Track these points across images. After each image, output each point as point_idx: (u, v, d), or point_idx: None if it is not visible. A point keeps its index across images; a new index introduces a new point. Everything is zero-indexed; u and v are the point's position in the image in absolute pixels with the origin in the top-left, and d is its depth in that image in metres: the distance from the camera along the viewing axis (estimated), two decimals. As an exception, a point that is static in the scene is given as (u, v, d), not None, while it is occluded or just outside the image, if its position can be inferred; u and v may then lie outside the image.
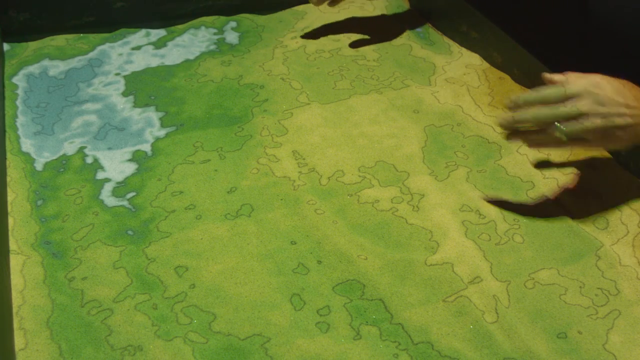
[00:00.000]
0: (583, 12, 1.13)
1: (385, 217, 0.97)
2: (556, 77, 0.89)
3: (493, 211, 0.98)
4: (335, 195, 1.00)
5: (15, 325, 0.82)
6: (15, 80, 1.19)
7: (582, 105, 0.86)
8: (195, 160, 1.05)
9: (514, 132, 0.91)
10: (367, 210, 0.98)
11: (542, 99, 0.88)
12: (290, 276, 0.89)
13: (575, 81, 0.87)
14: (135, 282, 0.88)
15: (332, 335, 0.82)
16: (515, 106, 0.89)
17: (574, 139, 0.87)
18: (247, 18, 1.38)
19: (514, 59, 1.21)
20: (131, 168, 1.04)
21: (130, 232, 0.94)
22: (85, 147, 1.07)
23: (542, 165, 1.05)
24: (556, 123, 0.86)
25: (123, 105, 1.16)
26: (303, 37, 1.33)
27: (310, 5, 1.37)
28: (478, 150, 1.08)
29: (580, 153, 1.05)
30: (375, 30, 1.35)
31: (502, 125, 0.90)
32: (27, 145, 1.06)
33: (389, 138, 1.09)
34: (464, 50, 1.30)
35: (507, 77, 1.22)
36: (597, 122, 0.86)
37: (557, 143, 0.88)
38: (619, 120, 0.86)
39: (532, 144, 0.90)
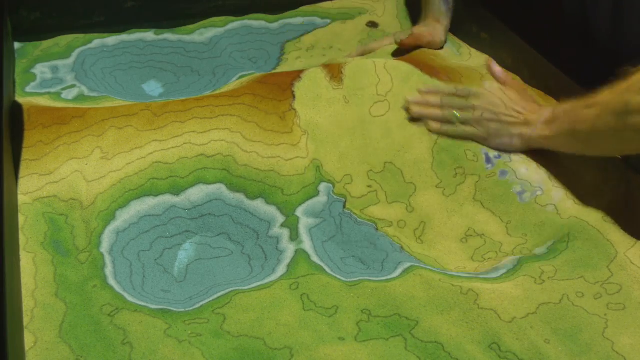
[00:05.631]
0: (559, 12, 1.20)
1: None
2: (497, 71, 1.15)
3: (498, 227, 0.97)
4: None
5: (25, 323, 0.82)
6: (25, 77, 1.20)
7: (475, 101, 1.06)
8: None
9: (419, 107, 1.07)
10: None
11: (451, 91, 1.08)
12: (300, 277, 0.89)
13: (481, 86, 1.09)
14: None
15: (341, 336, 0.82)
16: (427, 91, 1.08)
17: (465, 124, 1.05)
18: (258, 18, 1.38)
19: (523, 60, 1.21)
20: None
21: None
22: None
23: (551, 168, 1.04)
24: (454, 111, 1.06)
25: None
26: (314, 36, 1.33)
27: (320, 5, 1.38)
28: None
29: (590, 159, 1.04)
30: (384, 29, 1.35)
31: (411, 101, 1.08)
32: None
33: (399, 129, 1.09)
34: (473, 51, 1.30)
35: (517, 78, 1.21)
36: (486, 115, 1.04)
37: (451, 125, 1.06)
38: (505, 119, 1.03)
39: (430, 118, 1.07)
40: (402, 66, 1.13)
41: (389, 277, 0.89)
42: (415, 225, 0.98)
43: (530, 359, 0.81)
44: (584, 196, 0.99)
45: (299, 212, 0.97)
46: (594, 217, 0.96)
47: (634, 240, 0.93)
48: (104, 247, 0.91)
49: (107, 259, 0.90)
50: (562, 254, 0.93)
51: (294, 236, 0.93)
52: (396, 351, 0.81)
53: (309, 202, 0.99)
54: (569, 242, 0.94)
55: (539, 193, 1.00)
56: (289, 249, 0.92)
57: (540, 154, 1.05)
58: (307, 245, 0.92)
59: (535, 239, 0.96)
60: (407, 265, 0.90)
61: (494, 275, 0.90)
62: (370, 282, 0.88)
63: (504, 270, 0.91)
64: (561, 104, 1.02)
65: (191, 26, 1.35)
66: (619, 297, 0.87)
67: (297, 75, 1.11)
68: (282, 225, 0.95)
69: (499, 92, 1.06)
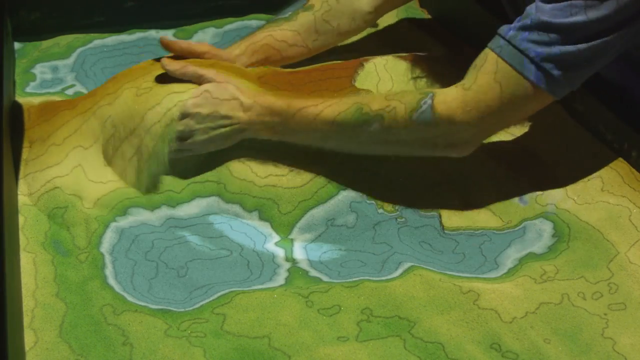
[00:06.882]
0: None
1: None
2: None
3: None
4: None
5: (25, 323, 0.82)
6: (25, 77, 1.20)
7: (187, 126, 0.96)
8: None
9: None
10: None
11: None
12: (300, 277, 0.89)
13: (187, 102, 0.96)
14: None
15: (341, 335, 0.82)
16: None
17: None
18: (257, 18, 1.38)
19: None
20: None
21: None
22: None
23: (551, 168, 1.04)
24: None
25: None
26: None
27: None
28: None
29: (587, 157, 1.04)
30: (390, 35, 1.34)
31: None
32: None
33: None
34: None
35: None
36: (198, 138, 0.96)
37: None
38: (218, 132, 0.96)
39: None
40: (402, 65, 1.13)
41: (389, 277, 0.89)
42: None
43: (531, 359, 0.81)
44: (584, 196, 0.99)
45: (295, 230, 0.97)
46: (594, 217, 0.96)
47: (634, 239, 0.93)
48: (104, 247, 0.91)
49: (107, 259, 0.90)
50: (562, 253, 0.93)
51: (289, 257, 0.93)
52: (396, 351, 0.81)
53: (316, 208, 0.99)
54: (569, 242, 0.94)
55: (538, 193, 1.00)
56: (285, 266, 0.92)
57: (539, 155, 1.05)
58: (303, 264, 0.92)
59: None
60: (408, 265, 0.90)
61: (494, 275, 0.91)
62: (370, 282, 0.88)
63: (504, 270, 0.91)
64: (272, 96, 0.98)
65: (191, 26, 1.35)
66: (619, 297, 0.87)
67: (301, 74, 1.11)
68: (277, 245, 0.95)
69: (202, 102, 0.96)
